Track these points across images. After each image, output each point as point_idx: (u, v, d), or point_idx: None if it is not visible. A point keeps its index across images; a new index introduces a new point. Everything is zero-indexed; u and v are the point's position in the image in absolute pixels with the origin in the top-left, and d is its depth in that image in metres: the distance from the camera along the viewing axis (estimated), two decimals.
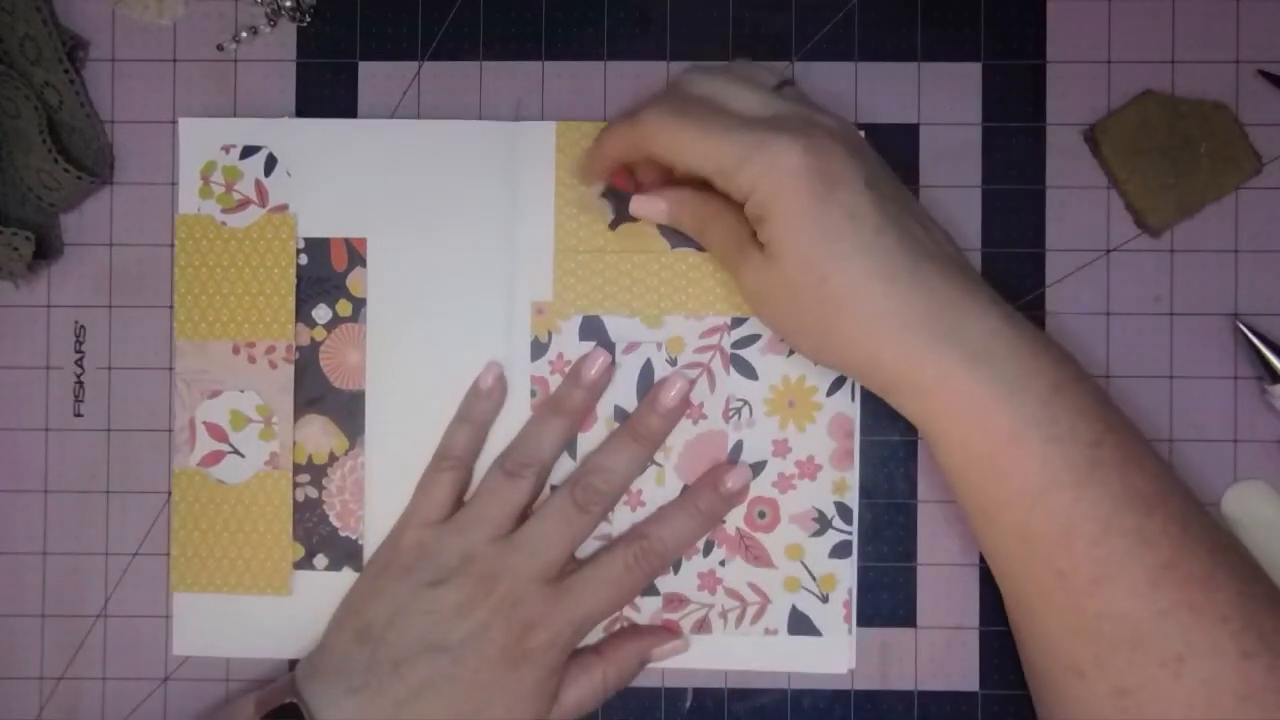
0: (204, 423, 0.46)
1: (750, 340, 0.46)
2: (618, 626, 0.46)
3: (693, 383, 0.45)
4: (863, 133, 0.46)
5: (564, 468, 0.46)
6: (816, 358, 0.41)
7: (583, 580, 0.43)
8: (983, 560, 0.45)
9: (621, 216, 0.46)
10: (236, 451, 0.46)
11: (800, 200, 0.38)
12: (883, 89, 0.47)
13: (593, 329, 0.46)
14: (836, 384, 0.46)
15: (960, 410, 0.38)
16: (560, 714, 0.43)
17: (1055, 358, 0.38)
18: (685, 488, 0.46)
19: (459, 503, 0.45)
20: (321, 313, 0.46)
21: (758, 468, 0.46)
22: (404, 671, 0.41)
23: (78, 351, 0.47)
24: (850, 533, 0.46)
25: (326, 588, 0.46)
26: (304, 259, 0.46)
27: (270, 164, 0.46)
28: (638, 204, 0.44)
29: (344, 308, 0.46)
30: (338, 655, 0.42)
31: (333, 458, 0.46)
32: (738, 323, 0.46)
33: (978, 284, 0.39)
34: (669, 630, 0.45)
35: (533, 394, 0.46)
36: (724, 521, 0.45)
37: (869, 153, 0.41)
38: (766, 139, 0.38)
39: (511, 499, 0.44)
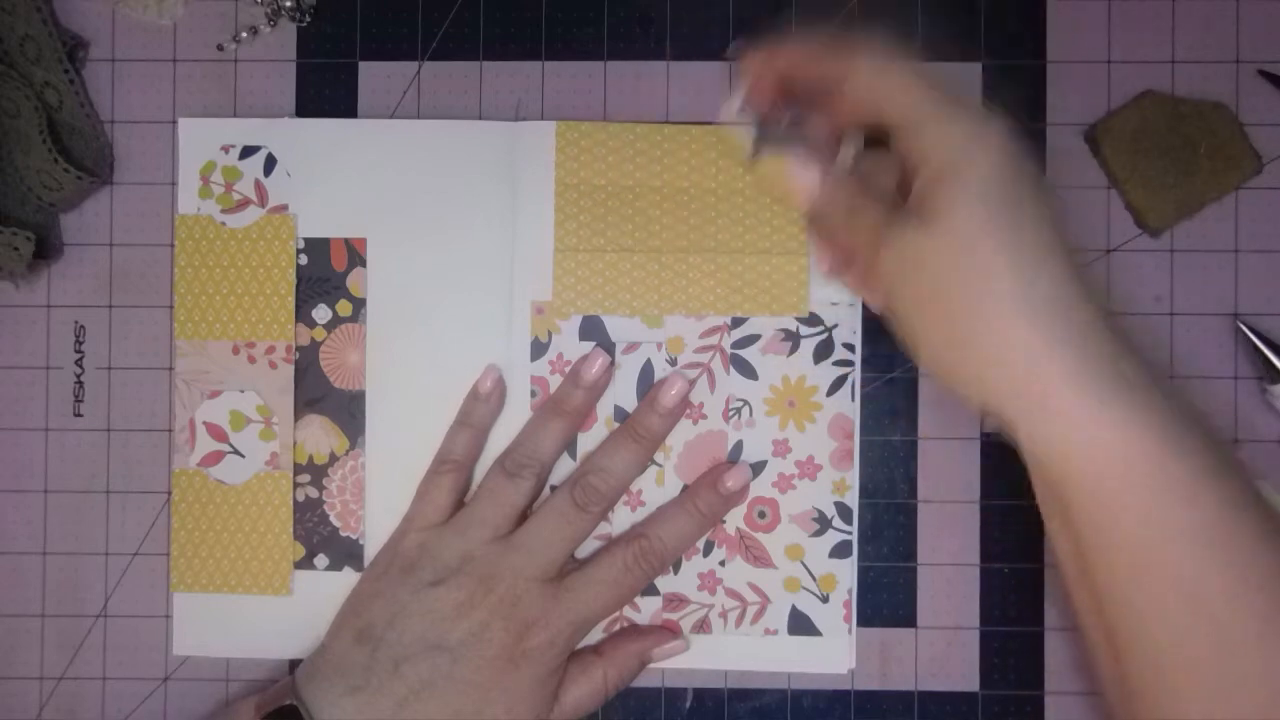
0: (204, 423, 0.46)
1: (750, 340, 0.46)
2: (618, 627, 0.46)
3: (692, 383, 0.45)
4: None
5: (564, 468, 0.46)
6: (941, 355, 0.37)
7: (582, 580, 0.43)
8: (983, 560, 0.45)
9: (758, 148, 0.41)
10: (237, 452, 0.46)
11: (1001, 162, 0.35)
12: None
13: (593, 329, 0.46)
14: (836, 384, 0.46)
15: (1103, 439, 0.34)
16: (561, 714, 0.43)
17: (1171, 383, 0.37)
18: (685, 488, 0.46)
19: (459, 505, 0.45)
20: (321, 313, 0.46)
21: (758, 468, 0.46)
22: (404, 671, 0.41)
23: (78, 351, 0.47)
24: (850, 533, 0.46)
25: (327, 588, 0.46)
26: (304, 259, 0.46)
27: (270, 164, 0.46)
28: (792, 164, 0.40)
29: (344, 308, 0.46)
30: (338, 655, 0.42)
31: (333, 458, 0.46)
32: (738, 323, 0.46)
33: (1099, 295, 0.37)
34: (669, 630, 0.45)
35: (533, 394, 0.46)
36: (724, 521, 0.45)
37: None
38: (976, 107, 0.36)
39: (511, 499, 0.44)
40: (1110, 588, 0.35)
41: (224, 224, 0.46)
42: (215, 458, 0.46)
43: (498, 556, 0.42)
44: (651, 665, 0.45)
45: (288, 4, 0.46)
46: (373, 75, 0.47)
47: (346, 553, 0.46)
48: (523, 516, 0.44)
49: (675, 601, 0.46)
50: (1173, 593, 0.34)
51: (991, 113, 0.36)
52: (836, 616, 0.45)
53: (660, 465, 0.46)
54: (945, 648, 0.46)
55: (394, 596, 0.42)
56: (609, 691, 0.44)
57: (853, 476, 0.46)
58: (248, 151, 0.46)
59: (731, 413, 0.46)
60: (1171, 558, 0.34)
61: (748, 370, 0.46)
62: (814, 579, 0.45)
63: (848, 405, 0.46)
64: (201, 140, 0.47)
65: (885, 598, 0.46)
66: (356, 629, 0.43)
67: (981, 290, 0.35)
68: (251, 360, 0.46)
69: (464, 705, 0.41)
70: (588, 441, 0.46)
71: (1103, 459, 0.34)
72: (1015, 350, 0.34)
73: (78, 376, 0.47)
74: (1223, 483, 0.34)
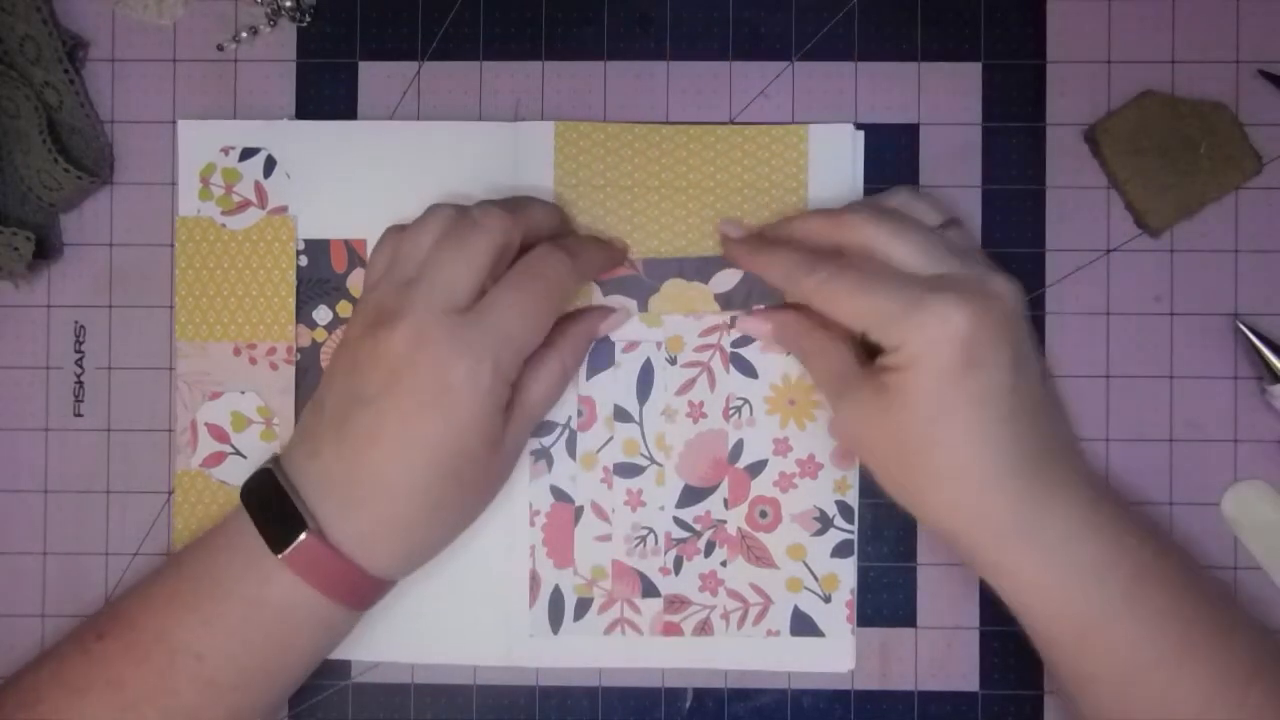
0: (205, 424, 0.46)
1: (750, 339, 0.46)
2: (618, 629, 0.46)
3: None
4: (862, 133, 0.46)
5: (564, 467, 0.46)
6: (893, 485, 0.40)
7: (492, 299, 0.40)
8: None
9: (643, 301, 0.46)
10: (238, 453, 0.46)
11: (943, 371, 0.37)
12: (883, 89, 0.47)
13: None
14: None
15: (1043, 596, 0.38)
16: (529, 411, 0.42)
17: (1141, 536, 0.39)
18: (685, 487, 0.46)
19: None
20: (322, 314, 0.46)
21: (758, 467, 0.46)
22: (344, 431, 0.39)
23: (78, 351, 0.47)
24: (852, 532, 0.46)
25: None
26: (304, 260, 0.46)
27: (269, 166, 0.46)
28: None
29: (344, 309, 0.46)
30: (302, 426, 0.42)
31: None
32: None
33: (1072, 472, 0.39)
34: (607, 307, 0.46)
35: None
36: (725, 521, 0.46)
37: (1023, 324, 0.40)
38: (929, 301, 0.37)
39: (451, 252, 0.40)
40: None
41: (224, 226, 0.46)
42: (217, 459, 0.46)
43: (399, 295, 0.39)
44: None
45: (288, 4, 0.46)
46: (373, 75, 0.47)
47: None
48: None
49: (677, 603, 0.46)
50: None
51: (950, 297, 0.37)
52: (839, 617, 0.45)
53: (661, 465, 0.46)
54: (945, 648, 0.46)
55: (335, 357, 0.42)
56: (568, 375, 0.44)
57: (854, 475, 0.46)
58: (247, 153, 0.46)
59: (732, 411, 0.46)
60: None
61: (748, 369, 0.46)
62: (816, 579, 0.45)
63: None
64: (201, 142, 0.46)
65: (885, 598, 0.46)
66: (314, 399, 0.42)
67: (929, 457, 0.38)
68: (252, 361, 0.46)
69: (404, 452, 0.39)
70: (588, 441, 0.46)
71: (1033, 608, 0.39)
72: (956, 509, 0.38)
73: (78, 376, 0.47)
74: (1170, 634, 0.37)
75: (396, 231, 0.42)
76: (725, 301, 0.46)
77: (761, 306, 0.45)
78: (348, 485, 0.39)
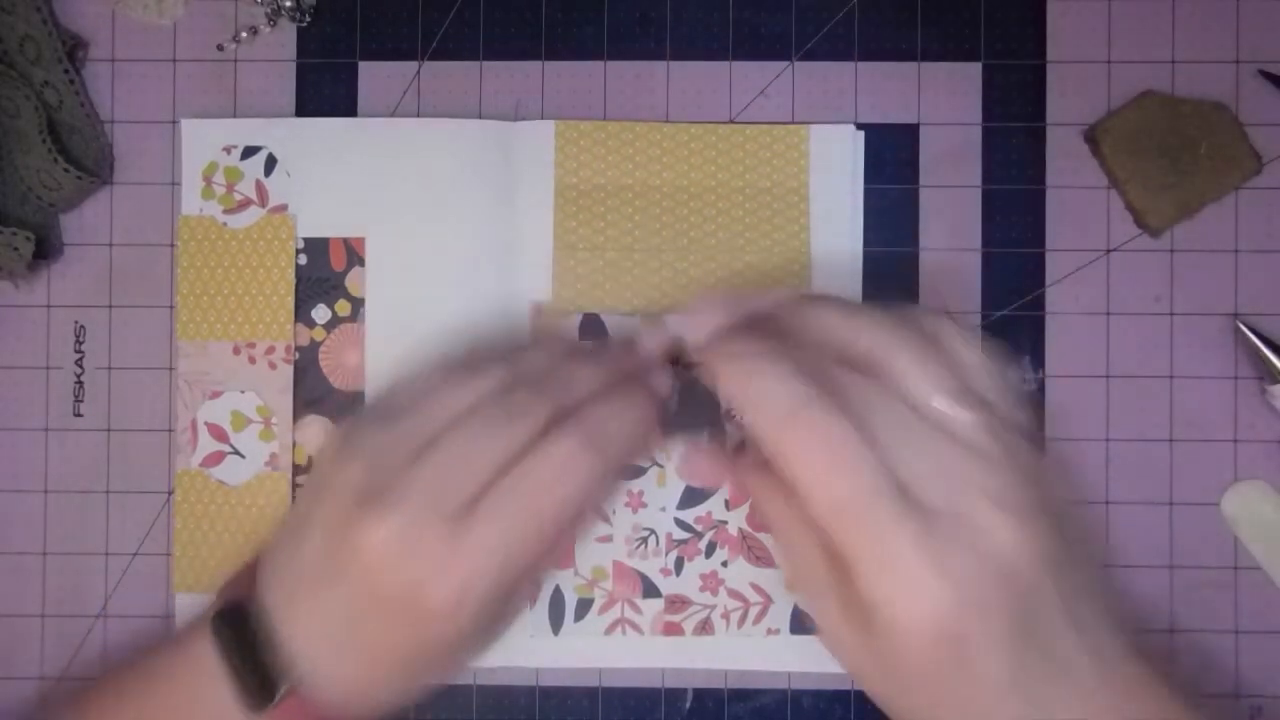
0: (205, 423, 0.46)
1: None
2: (619, 630, 0.45)
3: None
4: (862, 133, 0.46)
5: None
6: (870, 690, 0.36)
7: (497, 504, 0.33)
8: None
9: None
10: (237, 452, 0.46)
11: (916, 660, 0.31)
12: (883, 89, 0.47)
13: (592, 327, 0.46)
14: None
15: None
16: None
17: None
18: (686, 488, 0.46)
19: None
20: (321, 313, 0.46)
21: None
22: (327, 595, 0.35)
23: (78, 351, 0.47)
24: None
25: None
26: (303, 259, 0.46)
27: (270, 164, 0.46)
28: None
29: (343, 308, 0.46)
30: (277, 562, 0.38)
31: None
32: None
33: (1084, 676, 0.32)
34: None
35: None
36: (726, 522, 0.45)
37: (1037, 575, 0.31)
38: (910, 557, 0.30)
39: (449, 401, 0.35)
40: None
41: (225, 224, 0.46)
42: (216, 458, 0.46)
43: (400, 475, 0.34)
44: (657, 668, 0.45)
45: (288, 4, 0.46)
46: (373, 75, 0.47)
47: None
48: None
49: (677, 603, 0.46)
50: None
51: (940, 561, 0.30)
52: None
53: (662, 466, 0.46)
54: None
55: (316, 483, 0.37)
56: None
57: None
58: (249, 152, 0.46)
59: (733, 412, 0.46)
60: None
61: None
62: None
63: None
64: (204, 141, 0.46)
65: None
66: (293, 521, 0.38)
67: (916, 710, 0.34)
68: (252, 361, 0.46)
69: (384, 645, 0.35)
70: None
71: None
72: None
73: (78, 376, 0.47)
74: None
75: (449, 380, 0.37)
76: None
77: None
78: (330, 647, 0.35)
